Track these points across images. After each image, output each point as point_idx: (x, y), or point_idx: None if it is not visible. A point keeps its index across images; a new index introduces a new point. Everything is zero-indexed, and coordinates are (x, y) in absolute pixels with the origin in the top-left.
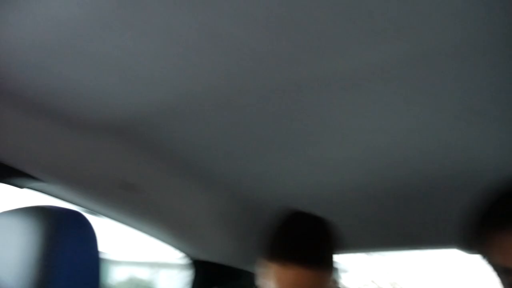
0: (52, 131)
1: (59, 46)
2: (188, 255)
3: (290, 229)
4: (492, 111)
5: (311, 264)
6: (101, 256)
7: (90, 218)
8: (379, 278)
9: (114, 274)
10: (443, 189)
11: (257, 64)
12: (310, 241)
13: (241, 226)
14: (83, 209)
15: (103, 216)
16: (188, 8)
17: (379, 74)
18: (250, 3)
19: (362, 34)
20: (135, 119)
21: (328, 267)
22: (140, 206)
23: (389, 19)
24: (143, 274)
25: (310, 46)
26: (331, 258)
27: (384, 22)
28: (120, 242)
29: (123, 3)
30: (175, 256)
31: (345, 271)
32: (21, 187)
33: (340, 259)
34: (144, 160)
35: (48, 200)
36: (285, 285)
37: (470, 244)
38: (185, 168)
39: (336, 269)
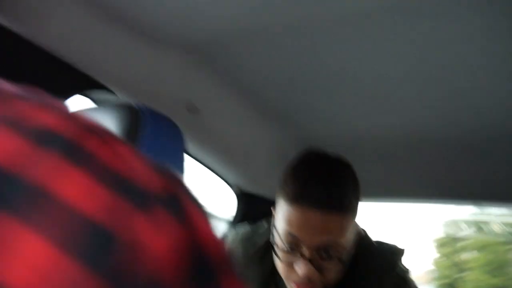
0: (132, 45)
1: None
2: (237, 186)
3: (304, 168)
4: None
5: (322, 206)
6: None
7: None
8: None
9: None
10: None
11: None
12: (323, 182)
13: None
14: None
15: None
16: None
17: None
18: None
19: None
20: (211, 39)
21: (344, 210)
22: (197, 130)
23: None
24: None
25: None
26: (348, 201)
27: None
28: None
29: None
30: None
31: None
32: (91, 98)
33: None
34: (210, 83)
35: None
36: (294, 225)
37: None
38: (248, 97)
39: (355, 215)
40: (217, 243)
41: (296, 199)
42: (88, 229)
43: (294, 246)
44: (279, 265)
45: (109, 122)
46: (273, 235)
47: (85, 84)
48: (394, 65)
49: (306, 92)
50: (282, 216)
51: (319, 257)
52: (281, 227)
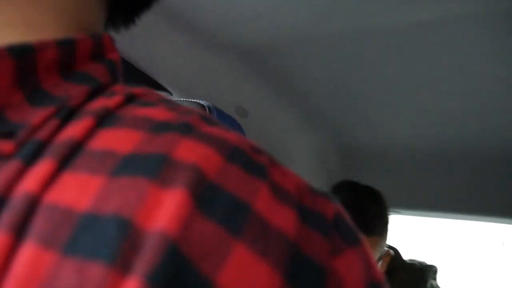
0: (190, 47)
1: None
2: None
3: (345, 197)
4: None
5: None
6: None
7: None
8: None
9: None
10: None
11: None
12: (349, 206)
13: (331, 171)
14: None
15: None
16: None
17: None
18: None
19: None
20: (267, 44)
21: (368, 233)
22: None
23: None
24: None
25: None
26: (373, 225)
27: None
28: None
29: None
30: None
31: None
32: None
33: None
34: (261, 87)
35: None
36: None
37: None
38: (296, 103)
39: (383, 237)
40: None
41: None
42: (287, 248)
43: None
44: None
45: None
46: None
47: (144, 85)
48: (443, 79)
49: (356, 102)
50: None
51: None
52: None
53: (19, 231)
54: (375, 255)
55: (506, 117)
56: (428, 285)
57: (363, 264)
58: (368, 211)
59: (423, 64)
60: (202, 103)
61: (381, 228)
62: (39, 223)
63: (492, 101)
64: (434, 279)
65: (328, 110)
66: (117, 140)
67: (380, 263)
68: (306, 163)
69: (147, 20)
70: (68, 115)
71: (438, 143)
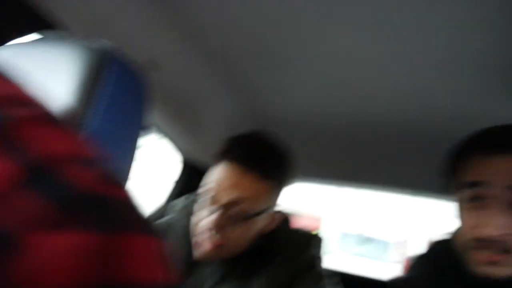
0: None
1: None
2: (183, 153)
3: (237, 136)
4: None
5: (242, 163)
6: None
7: None
8: None
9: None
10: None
11: None
12: (249, 144)
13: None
14: None
15: None
16: None
17: None
18: None
19: None
20: None
21: (262, 174)
22: (156, 87)
23: None
24: None
25: None
26: (269, 168)
27: None
28: None
29: None
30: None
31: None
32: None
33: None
34: (174, 40)
35: None
36: (214, 180)
37: (446, 176)
38: (209, 60)
39: (277, 188)
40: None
41: (221, 156)
42: None
43: (210, 201)
44: (194, 222)
45: (71, 59)
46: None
47: (42, 23)
48: (362, 50)
49: (273, 66)
50: (208, 177)
51: (227, 214)
52: (205, 186)
53: None
54: (264, 202)
55: (420, 94)
56: (311, 252)
57: (84, 255)
58: (266, 153)
59: (340, 34)
60: (101, 46)
61: (277, 176)
62: None
63: (414, 76)
64: (318, 248)
65: (242, 72)
66: None
67: (268, 218)
68: (216, 124)
69: None
70: None
71: (353, 116)
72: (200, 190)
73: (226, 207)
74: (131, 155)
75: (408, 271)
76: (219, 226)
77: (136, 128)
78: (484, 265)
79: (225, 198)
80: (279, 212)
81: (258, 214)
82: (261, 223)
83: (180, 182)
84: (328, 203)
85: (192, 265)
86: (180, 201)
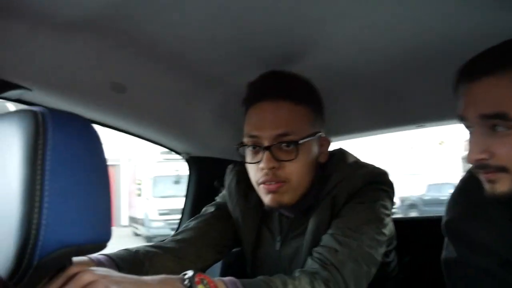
0: (34, 36)
1: None
2: (185, 152)
3: (265, 75)
4: None
5: (271, 95)
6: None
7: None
8: None
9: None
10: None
11: None
12: (273, 76)
13: (238, 119)
14: None
15: (97, 123)
16: None
17: None
18: None
19: None
20: (111, 12)
21: (293, 99)
22: (132, 107)
23: None
24: None
25: None
26: (298, 92)
27: None
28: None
29: None
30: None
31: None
32: (9, 99)
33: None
34: (133, 59)
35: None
36: (252, 124)
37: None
38: (176, 65)
39: (314, 112)
40: None
41: (249, 99)
42: None
43: (256, 145)
44: (251, 173)
45: (13, 130)
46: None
47: None
48: None
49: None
50: (244, 126)
51: (278, 149)
52: (245, 135)
53: None
54: (306, 127)
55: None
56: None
57: None
58: (292, 81)
59: None
60: (34, 109)
61: (310, 100)
62: None
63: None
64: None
65: (211, 65)
66: None
67: (317, 144)
68: (212, 120)
69: None
70: None
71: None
72: (244, 140)
73: (276, 145)
74: (103, 193)
75: (450, 209)
76: (274, 165)
77: (96, 168)
78: (487, 184)
79: (269, 136)
80: (325, 138)
81: (305, 139)
82: (313, 149)
83: (191, 178)
84: None
85: (260, 223)
86: (227, 175)
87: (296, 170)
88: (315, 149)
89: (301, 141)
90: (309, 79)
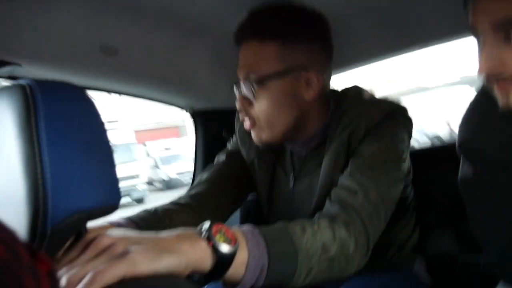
0: (16, 8)
1: None
2: (190, 108)
3: (245, 18)
4: None
5: (248, 38)
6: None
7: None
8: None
9: None
10: None
11: None
12: (252, 18)
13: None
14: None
15: (95, 89)
16: None
17: None
18: None
19: None
20: None
21: (269, 39)
22: (127, 69)
23: None
24: None
25: None
26: (276, 32)
27: None
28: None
29: None
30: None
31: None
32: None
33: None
34: (120, 19)
35: None
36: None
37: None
38: (163, 18)
39: (296, 50)
40: None
41: (235, 43)
42: None
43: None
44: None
45: (3, 107)
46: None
47: None
48: None
49: None
50: None
51: (248, 90)
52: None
53: None
54: (273, 64)
55: None
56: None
57: None
58: (259, 17)
59: None
60: (21, 83)
61: (278, 34)
62: None
63: None
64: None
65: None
66: None
67: (298, 81)
68: (213, 72)
69: None
70: None
71: None
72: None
73: (242, 85)
74: (106, 158)
75: (462, 130)
76: (243, 104)
77: (94, 133)
78: (501, 96)
79: (241, 78)
80: (313, 73)
81: (272, 77)
82: (287, 87)
83: (197, 131)
84: None
85: (274, 163)
86: (236, 121)
87: (262, 109)
88: (291, 86)
89: (264, 81)
90: (304, 9)
